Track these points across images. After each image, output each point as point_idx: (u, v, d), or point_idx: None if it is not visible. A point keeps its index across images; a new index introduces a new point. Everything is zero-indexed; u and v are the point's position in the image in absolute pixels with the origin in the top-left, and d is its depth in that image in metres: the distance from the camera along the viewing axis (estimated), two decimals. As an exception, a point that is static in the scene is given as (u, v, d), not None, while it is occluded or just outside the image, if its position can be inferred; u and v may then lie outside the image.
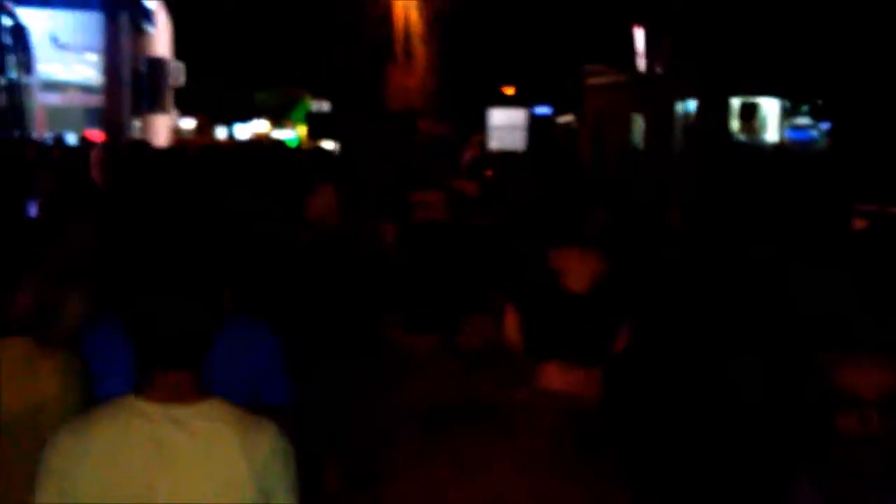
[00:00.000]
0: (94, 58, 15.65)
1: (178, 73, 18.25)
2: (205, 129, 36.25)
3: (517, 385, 1.73)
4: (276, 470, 1.99)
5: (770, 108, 15.65)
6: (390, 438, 1.82)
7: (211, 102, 34.41)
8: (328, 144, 17.94)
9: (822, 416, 1.98)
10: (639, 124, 15.99)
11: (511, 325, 1.75)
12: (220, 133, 36.47)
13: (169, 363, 1.97)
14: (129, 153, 8.64)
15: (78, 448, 1.93)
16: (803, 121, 15.78)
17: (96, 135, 13.31)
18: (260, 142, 17.62)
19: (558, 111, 22.39)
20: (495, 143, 19.57)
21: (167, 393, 1.97)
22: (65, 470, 1.92)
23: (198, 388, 2.00)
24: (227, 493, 1.94)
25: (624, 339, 1.72)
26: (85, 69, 15.91)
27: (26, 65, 9.60)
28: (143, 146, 9.34)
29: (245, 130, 36.30)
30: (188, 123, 36.60)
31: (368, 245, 4.69)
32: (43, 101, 14.02)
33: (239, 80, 33.96)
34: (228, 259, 3.24)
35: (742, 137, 14.63)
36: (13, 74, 9.30)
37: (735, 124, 15.00)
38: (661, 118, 15.02)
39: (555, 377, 1.70)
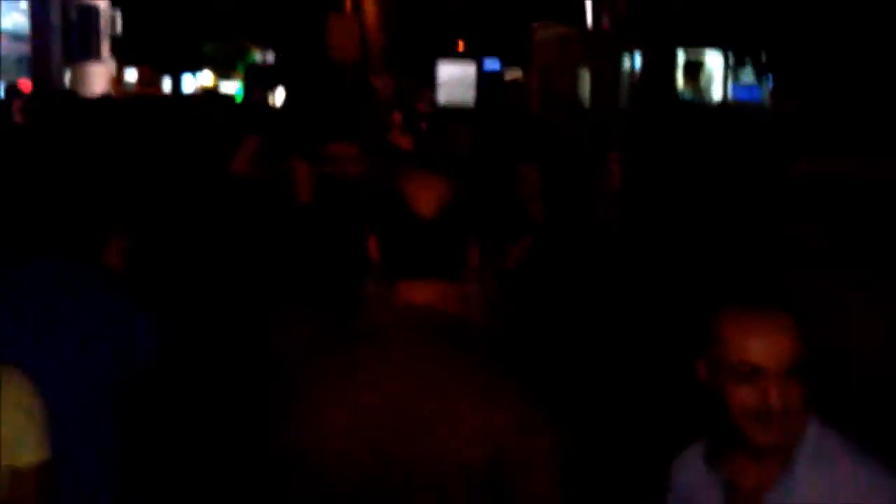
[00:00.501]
0: (25, 5, 15.08)
1: (113, 22, 17.69)
2: (151, 80, 35.45)
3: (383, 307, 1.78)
4: (17, 423, 1.88)
5: (715, 65, 15.60)
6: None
7: (157, 53, 33.62)
8: (273, 97, 17.59)
9: (717, 387, 1.84)
10: (586, 79, 15.85)
11: (372, 249, 1.81)
12: (167, 85, 35.68)
13: None
14: (46, 102, 8.33)
15: None
16: (747, 78, 15.74)
17: (26, 84, 12.86)
18: (193, 94, 17.19)
19: (507, 66, 22.18)
20: (444, 97, 19.37)
21: None
22: None
23: None
24: None
25: (475, 258, 1.79)
26: (18, 17, 15.34)
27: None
28: (63, 95, 9.01)
29: (192, 82, 35.54)
30: (134, 75, 35.79)
31: (282, 196, 4.52)
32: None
33: (187, 31, 33.19)
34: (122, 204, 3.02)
35: (687, 95, 14.56)
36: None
37: (680, 82, 14.93)
38: (607, 73, 14.89)
39: (413, 292, 1.77)
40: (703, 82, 15.09)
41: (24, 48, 14.13)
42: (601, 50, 15.03)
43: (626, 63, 15.16)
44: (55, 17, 13.82)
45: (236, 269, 3.66)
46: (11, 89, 10.81)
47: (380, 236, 1.79)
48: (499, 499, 1.66)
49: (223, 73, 35.53)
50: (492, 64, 22.10)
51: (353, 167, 4.04)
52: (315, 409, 1.70)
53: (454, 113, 11.71)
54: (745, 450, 1.85)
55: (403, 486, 1.67)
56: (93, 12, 15.31)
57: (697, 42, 14.38)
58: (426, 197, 1.75)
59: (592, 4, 16.81)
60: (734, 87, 15.56)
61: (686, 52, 15.07)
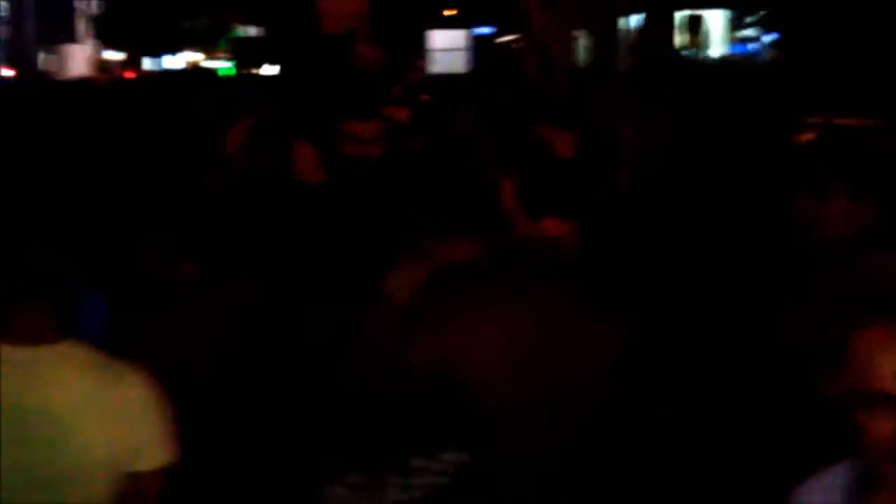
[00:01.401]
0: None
1: (93, 1, 17.14)
2: (134, 61, 34.87)
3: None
4: (143, 422, 1.86)
5: (715, 20, 15.14)
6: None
7: (138, 33, 33.00)
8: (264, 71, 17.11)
9: (845, 412, 1.49)
10: (583, 42, 15.43)
11: (508, 194, 2.06)
12: (148, 65, 35.06)
13: (21, 297, 1.84)
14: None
15: None
16: (748, 33, 15.32)
17: (5, 69, 12.40)
18: (174, 72, 16.69)
19: (501, 31, 21.68)
20: (436, 66, 18.93)
21: (20, 332, 1.83)
22: None
23: (54, 329, 1.86)
24: (72, 443, 1.78)
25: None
26: (-3, 0, 14.85)
27: None
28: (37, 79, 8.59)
29: (174, 62, 34.92)
30: (116, 56, 35.16)
31: (284, 179, 4.16)
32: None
33: (166, 9, 32.54)
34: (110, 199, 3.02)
35: (686, 53, 14.12)
36: None
37: (679, 39, 14.49)
38: (605, 35, 14.46)
39: (553, 228, 2.03)
40: (702, 39, 14.68)
41: (3, 31, 13.66)
42: (599, 11, 14.60)
43: (623, 23, 14.75)
44: (28, -3, 13.35)
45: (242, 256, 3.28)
46: None
47: (521, 180, 2.02)
48: None
49: (207, 50, 34.93)
50: (485, 30, 21.62)
51: (372, 148, 3.69)
52: (468, 326, 1.83)
53: (450, 84, 11.33)
54: (886, 488, 1.51)
55: (545, 398, 1.83)
56: (69, -8, 14.78)
57: (698, 3, 13.96)
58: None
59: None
60: (733, 45, 15.18)
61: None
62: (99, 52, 28.17)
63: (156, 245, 2.59)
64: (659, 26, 13.83)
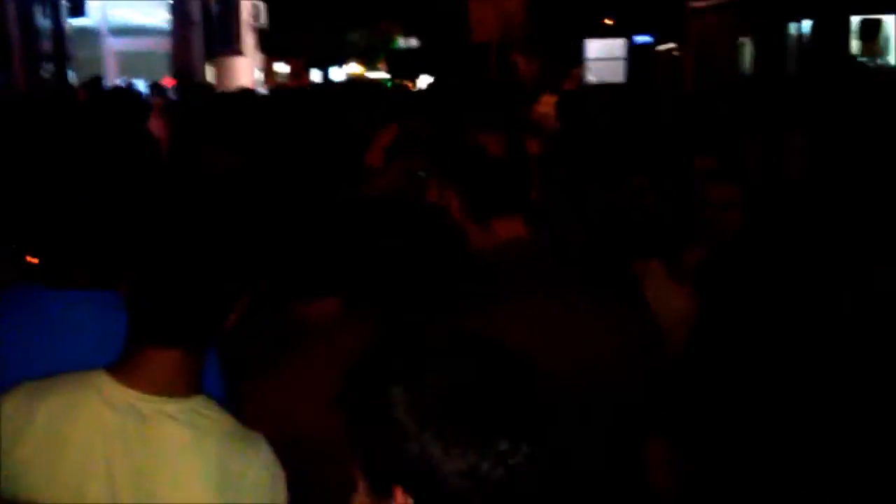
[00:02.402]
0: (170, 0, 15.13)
1: (258, 14, 17.59)
2: (300, 73, 35.92)
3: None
4: (257, 498, 1.60)
5: (894, 25, 14.06)
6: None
7: (304, 45, 33.97)
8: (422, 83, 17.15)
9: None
10: (747, 49, 14.65)
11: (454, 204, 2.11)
12: (315, 77, 36.03)
13: (152, 338, 1.58)
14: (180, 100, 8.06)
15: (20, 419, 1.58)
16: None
17: (169, 81, 12.83)
18: (336, 83, 16.91)
19: (660, 39, 21.02)
20: (593, 76, 18.56)
21: (143, 376, 1.58)
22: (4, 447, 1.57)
23: (183, 380, 1.60)
24: None
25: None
26: (162, 13, 15.41)
27: (70, 7, 9.06)
28: (201, 90, 8.73)
29: (339, 73, 35.77)
30: (284, 68, 36.33)
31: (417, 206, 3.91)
32: (114, 46, 13.63)
33: (331, 22, 33.37)
34: (260, 230, 2.70)
35: (863, 60, 13.17)
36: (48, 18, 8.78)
37: (854, 45, 13.54)
38: (771, 42, 13.67)
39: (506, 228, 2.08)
40: (879, 45, 13.67)
41: (166, 44, 14.16)
42: (764, 17, 13.83)
43: (792, 28, 13.89)
44: (195, 10, 13.74)
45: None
46: (155, 87, 10.67)
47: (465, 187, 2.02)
48: None
49: (369, 62, 35.60)
50: (643, 39, 21.02)
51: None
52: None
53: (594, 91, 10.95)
54: None
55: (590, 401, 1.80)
56: (233, 4, 15.18)
57: (872, 8, 12.98)
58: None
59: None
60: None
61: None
62: (267, 65, 29.12)
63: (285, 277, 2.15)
64: (832, 32, 12.96)
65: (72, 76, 9.97)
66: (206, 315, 1.62)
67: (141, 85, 12.58)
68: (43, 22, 8.55)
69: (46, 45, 8.32)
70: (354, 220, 1.98)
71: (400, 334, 1.29)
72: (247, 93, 9.57)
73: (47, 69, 8.49)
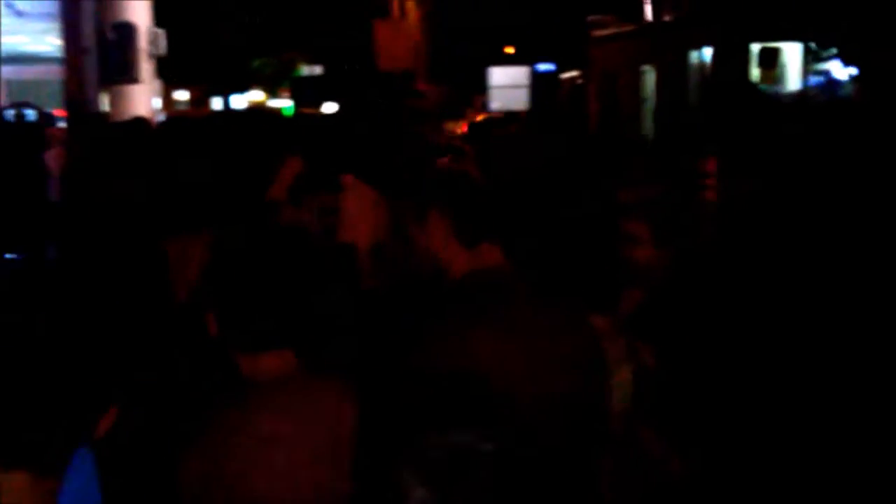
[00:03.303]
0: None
1: (156, 41, 17.05)
2: (201, 100, 35.25)
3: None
4: None
5: (792, 53, 14.44)
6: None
7: (205, 73, 33.35)
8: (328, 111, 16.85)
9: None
10: (650, 77, 14.85)
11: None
12: (216, 105, 35.39)
13: None
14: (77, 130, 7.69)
15: None
16: (827, 67, 14.58)
17: (61, 112, 12.32)
18: (236, 111, 16.55)
19: (562, 68, 21.24)
20: (496, 103, 18.60)
21: None
22: None
23: None
24: None
25: None
26: (53, 39, 14.85)
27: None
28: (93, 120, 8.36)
29: (241, 101, 35.19)
30: (183, 95, 35.58)
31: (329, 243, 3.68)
32: (3, 74, 13.05)
33: (234, 49, 32.85)
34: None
35: (762, 87, 13.46)
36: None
37: (754, 73, 13.84)
38: (673, 69, 13.88)
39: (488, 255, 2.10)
40: (777, 72, 13.99)
41: (59, 72, 13.61)
42: (666, 46, 14.03)
43: (693, 56, 14.14)
44: (88, 37, 13.21)
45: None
46: (44, 116, 10.12)
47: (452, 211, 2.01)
48: None
49: (271, 90, 35.14)
50: (546, 67, 21.20)
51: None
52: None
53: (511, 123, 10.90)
54: None
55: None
56: (130, 31, 14.66)
57: (773, 35, 13.28)
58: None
59: (652, -2, 15.84)
60: (810, 78, 14.46)
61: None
62: (166, 93, 28.43)
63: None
64: (733, 59, 13.22)
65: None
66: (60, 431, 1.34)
67: (31, 115, 12.03)
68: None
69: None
70: (293, 262, 1.75)
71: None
72: (140, 122, 9.18)
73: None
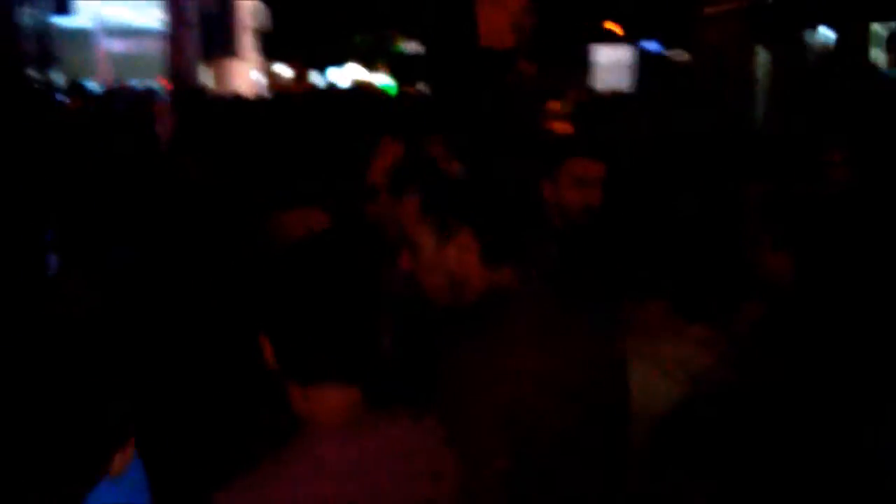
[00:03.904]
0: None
1: (258, 15, 17.12)
2: (301, 75, 35.48)
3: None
4: None
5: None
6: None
7: (304, 47, 33.54)
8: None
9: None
10: (762, 57, 14.20)
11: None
12: (316, 79, 35.58)
13: None
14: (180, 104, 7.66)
15: None
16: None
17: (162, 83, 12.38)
18: (339, 90, 16.48)
19: (668, 46, 20.58)
20: (600, 83, 18.17)
21: None
22: None
23: None
24: None
25: None
26: (157, 13, 14.95)
27: (57, 5, 8.57)
28: (195, 95, 8.30)
29: (340, 75, 35.29)
30: (282, 69, 35.88)
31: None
32: (108, 48, 13.19)
33: (333, 24, 32.92)
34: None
35: (890, 72, 12.72)
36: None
37: (877, 56, 13.09)
38: (788, 50, 13.22)
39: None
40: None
41: (162, 45, 13.69)
42: (780, 24, 13.38)
43: (810, 38, 13.43)
44: (191, 11, 13.27)
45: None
46: (74, 86, 9.96)
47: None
48: None
49: (370, 65, 35.15)
50: (651, 46, 20.59)
51: (596, 195, 3.02)
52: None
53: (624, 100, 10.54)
54: None
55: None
56: (231, 5, 14.72)
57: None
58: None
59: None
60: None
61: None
62: (265, 67, 28.69)
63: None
64: (851, 40, 12.51)
65: (58, 78, 9.56)
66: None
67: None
68: (27, 22, 8.15)
69: (30, 46, 7.91)
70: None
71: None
72: (239, 100, 9.14)
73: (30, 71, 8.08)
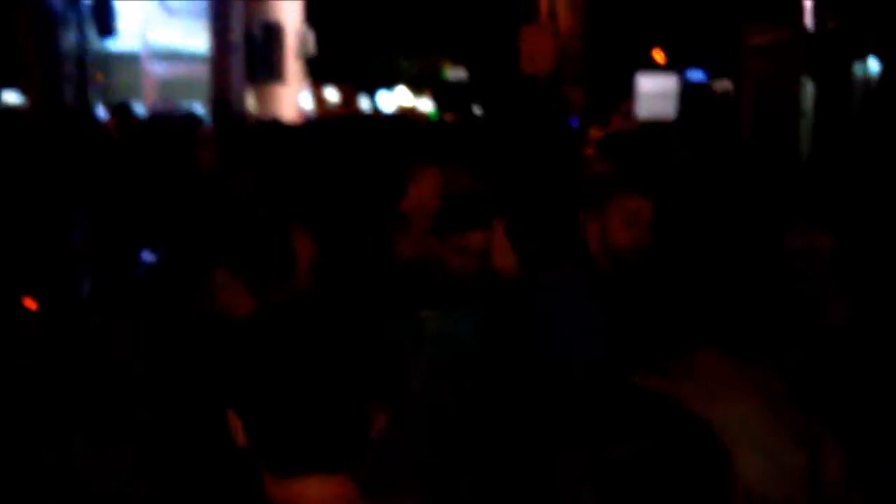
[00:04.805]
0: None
1: (305, 40, 17.24)
2: (350, 99, 35.74)
3: None
4: None
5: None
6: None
7: (353, 72, 33.79)
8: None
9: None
10: (809, 90, 13.99)
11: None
12: (364, 104, 35.80)
13: None
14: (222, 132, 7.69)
15: None
16: None
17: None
18: (374, 115, 16.53)
19: (713, 76, 20.39)
20: (644, 112, 18.02)
21: None
22: None
23: None
24: None
25: None
26: (204, 36, 15.14)
27: (99, 26, 8.67)
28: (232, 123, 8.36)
29: (388, 99, 35.49)
30: (333, 94, 36.17)
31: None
32: (152, 71, 13.39)
33: (381, 49, 33.16)
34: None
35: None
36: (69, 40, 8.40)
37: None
38: (835, 82, 13.01)
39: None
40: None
41: (205, 70, 13.86)
42: (827, 56, 13.17)
43: (859, 69, 13.21)
44: (235, 35, 13.40)
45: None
46: (120, 108, 9.85)
47: None
48: None
49: (417, 90, 35.32)
50: (696, 75, 20.40)
51: (644, 234, 2.91)
52: None
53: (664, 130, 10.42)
54: None
55: None
56: (277, 30, 14.83)
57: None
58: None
59: (814, 2, 14.90)
60: None
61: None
62: (316, 91, 28.92)
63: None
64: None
65: (102, 100, 9.70)
66: None
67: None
68: (69, 44, 8.28)
69: (70, 68, 8.03)
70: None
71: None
72: (276, 125, 9.15)
73: (67, 93, 8.19)
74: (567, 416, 1.49)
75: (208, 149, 7.05)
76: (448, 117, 15.99)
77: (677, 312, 2.50)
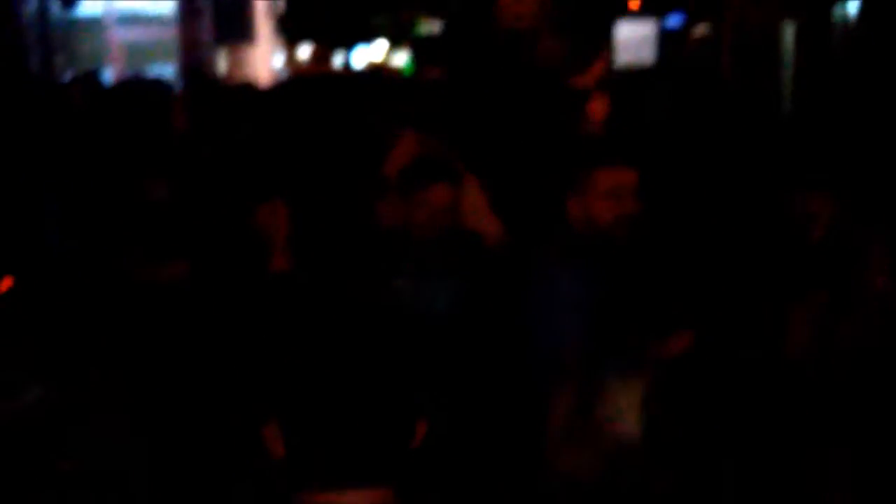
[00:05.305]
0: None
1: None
2: (323, 57, 35.24)
3: None
4: None
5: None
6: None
7: (326, 29, 33.29)
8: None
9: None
10: (789, 33, 13.84)
11: None
12: (338, 60, 35.33)
13: None
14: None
15: None
16: None
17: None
18: (346, 73, 16.26)
19: (692, 20, 20.17)
20: (622, 58, 17.87)
21: None
22: None
23: None
24: None
25: None
26: (168, 1, 14.84)
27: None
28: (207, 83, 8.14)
29: (363, 56, 35.02)
30: (307, 52, 35.64)
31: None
32: (120, 36, 13.12)
33: (354, 4, 32.64)
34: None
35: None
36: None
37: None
38: (815, 25, 12.86)
39: None
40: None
41: (172, 32, 13.56)
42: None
43: (838, 13, 13.06)
44: (202, -4, 13.12)
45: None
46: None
47: None
48: None
49: (392, 44, 34.86)
50: (674, 19, 20.19)
51: (630, 205, 2.82)
52: None
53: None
54: None
55: None
56: (244, -10, 14.55)
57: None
58: None
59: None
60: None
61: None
62: (289, 50, 28.50)
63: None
64: (879, 16, 12.12)
65: (63, 68, 9.48)
66: None
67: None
68: (31, 13, 8.06)
69: (32, 37, 7.82)
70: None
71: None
72: (247, 88, 8.91)
73: (33, 63, 7.99)
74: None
75: (181, 115, 6.86)
76: (429, 72, 15.74)
77: (664, 287, 2.41)
